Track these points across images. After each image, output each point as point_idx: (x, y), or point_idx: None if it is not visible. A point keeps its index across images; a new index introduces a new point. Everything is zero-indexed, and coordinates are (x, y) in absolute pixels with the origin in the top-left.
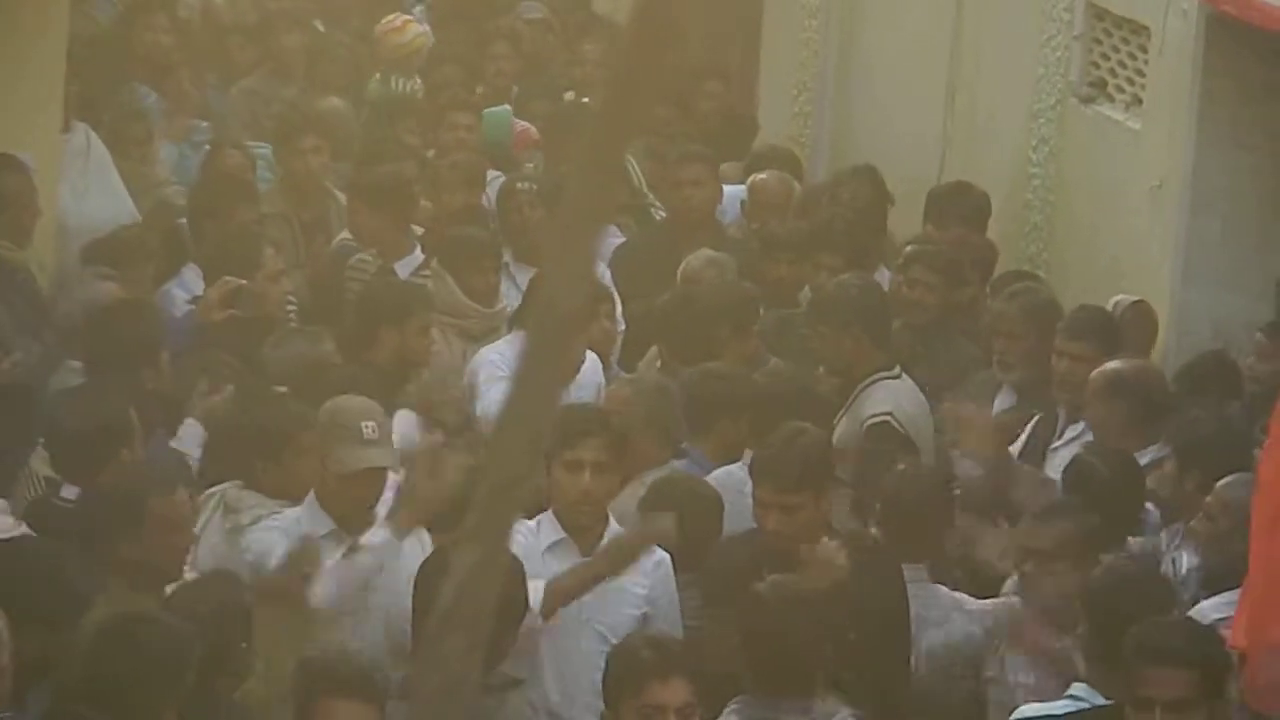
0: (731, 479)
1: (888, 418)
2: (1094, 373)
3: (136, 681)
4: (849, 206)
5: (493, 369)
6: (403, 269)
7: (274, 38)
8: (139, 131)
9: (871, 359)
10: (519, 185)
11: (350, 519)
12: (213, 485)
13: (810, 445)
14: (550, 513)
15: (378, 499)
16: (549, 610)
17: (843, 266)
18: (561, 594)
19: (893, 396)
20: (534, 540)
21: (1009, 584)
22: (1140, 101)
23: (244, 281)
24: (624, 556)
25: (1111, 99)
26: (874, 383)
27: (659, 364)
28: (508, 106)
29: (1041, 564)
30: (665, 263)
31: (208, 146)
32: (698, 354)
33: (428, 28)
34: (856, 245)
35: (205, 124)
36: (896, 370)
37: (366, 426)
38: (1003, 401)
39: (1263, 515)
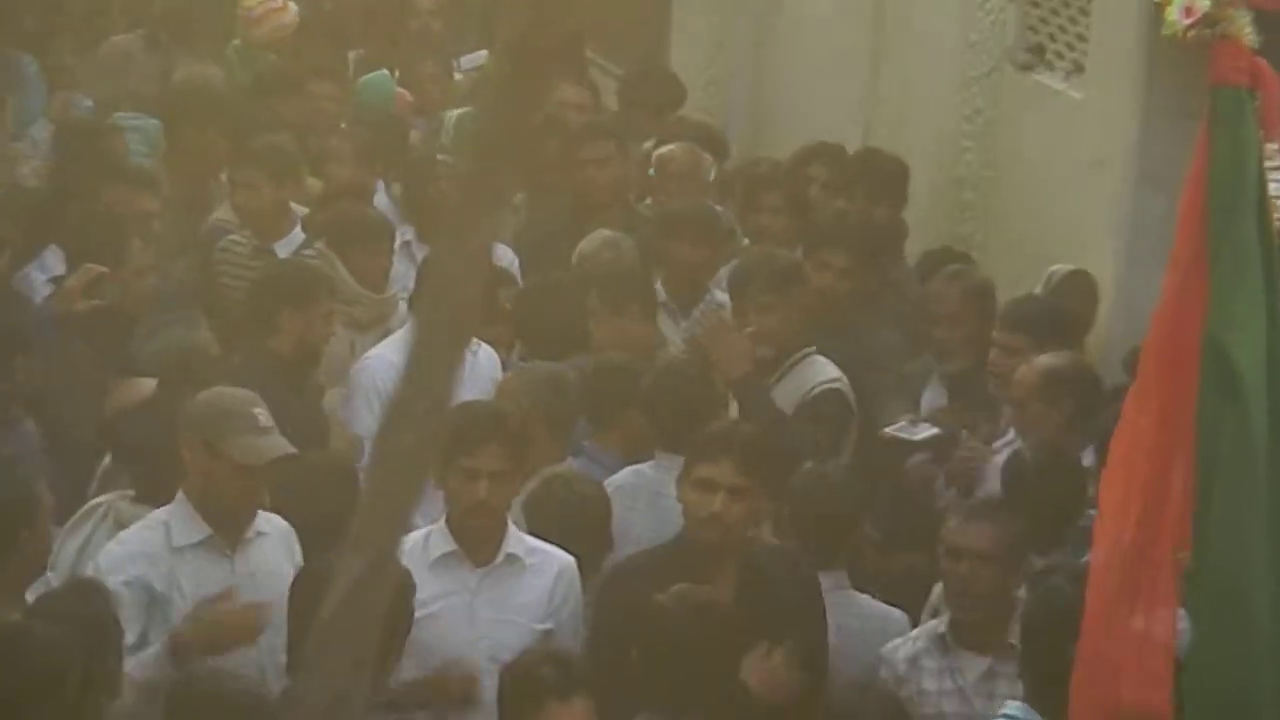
0: (642, 479)
1: (838, 384)
2: (1024, 368)
3: (15, 695)
4: (859, 200)
5: (370, 385)
6: (281, 250)
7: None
8: None
9: (788, 336)
10: (436, 156)
11: (231, 520)
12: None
13: (760, 434)
14: (441, 522)
15: (262, 496)
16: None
17: (851, 268)
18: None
19: (822, 371)
20: (421, 552)
21: (936, 591)
22: (1081, 69)
23: (106, 270)
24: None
25: (1051, 66)
26: (806, 357)
27: (516, 354)
28: (385, 71)
29: (972, 566)
30: (567, 248)
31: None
32: (562, 343)
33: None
34: (868, 243)
35: (89, 102)
36: (812, 349)
37: (259, 414)
38: (931, 397)
39: (1099, 563)
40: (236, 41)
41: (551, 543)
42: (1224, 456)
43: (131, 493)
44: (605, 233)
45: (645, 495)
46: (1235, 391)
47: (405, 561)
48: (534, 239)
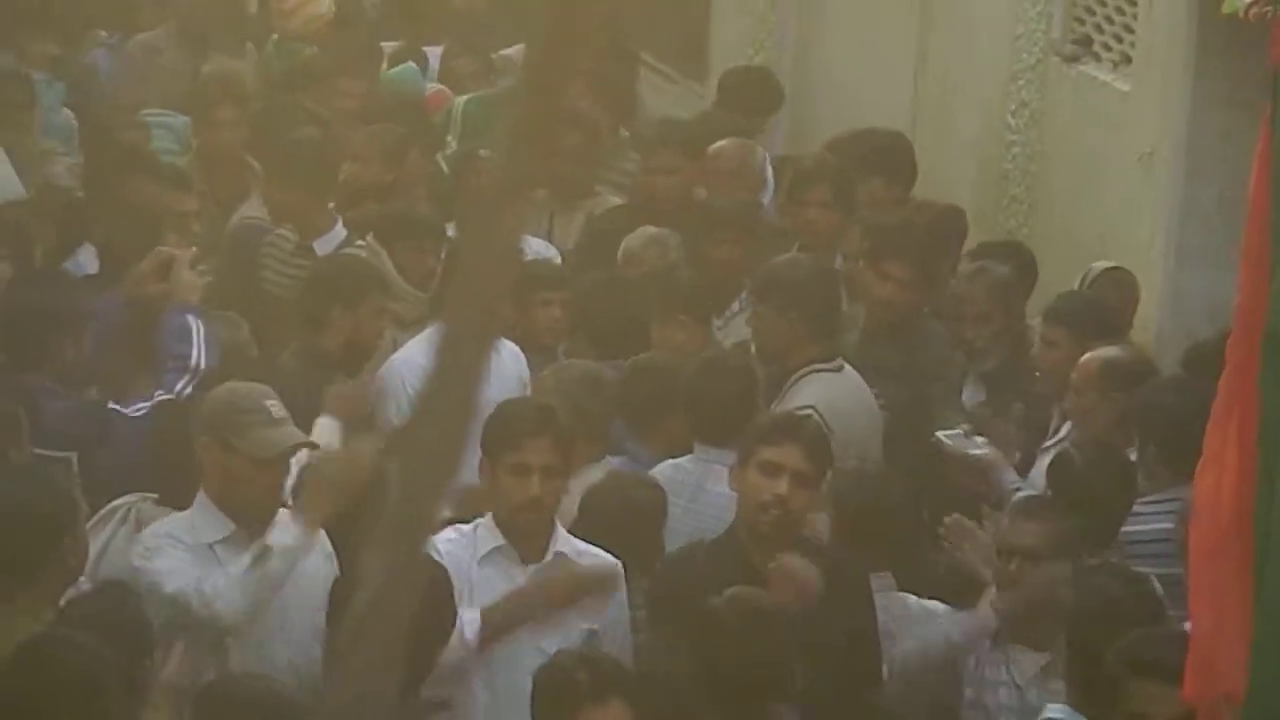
0: (682, 473)
1: (810, 411)
2: (1083, 359)
3: (58, 707)
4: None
5: (397, 388)
6: (322, 247)
7: None
8: (20, 96)
9: (806, 349)
10: (481, 152)
11: (254, 515)
12: None
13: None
14: (489, 518)
15: (283, 489)
16: (487, 640)
17: (914, 279)
18: (502, 622)
19: (824, 390)
20: (469, 548)
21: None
22: (1129, 60)
23: (179, 252)
24: (577, 587)
25: (1098, 58)
26: (807, 374)
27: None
28: (413, 64)
29: (1022, 564)
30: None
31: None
32: (620, 343)
33: None
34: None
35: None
36: (837, 362)
37: (272, 406)
38: (971, 395)
39: (1201, 543)
40: (275, 36)
41: (604, 543)
42: None
43: (154, 495)
44: (651, 230)
45: (687, 489)
46: None
47: (453, 556)
48: (593, 241)
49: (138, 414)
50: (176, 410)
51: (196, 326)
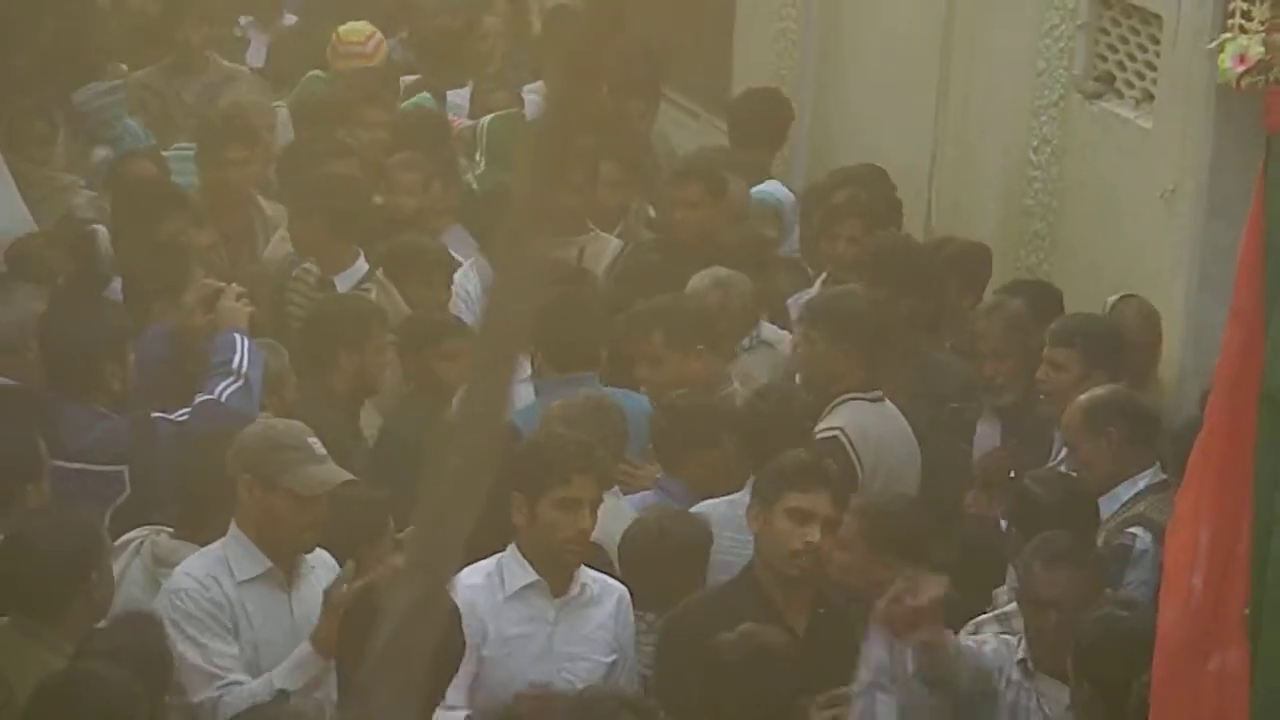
0: (736, 509)
1: (837, 433)
2: (1071, 407)
3: None
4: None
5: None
6: (344, 282)
7: (180, 30)
8: (41, 129)
9: (850, 376)
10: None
11: (289, 554)
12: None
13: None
14: (513, 553)
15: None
16: None
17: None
18: None
19: (856, 415)
20: (493, 584)
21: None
22: (1151, 97)
23: (223, 285)
24: None
25: (1120, 94)
26: (845, 401)
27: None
28: (428, 94)
29: (1058, 614)
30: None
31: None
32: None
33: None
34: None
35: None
36: (876, 393)
37: (313, 443)
38: (985, 432)
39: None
40: (314, 71)
41: (646, 577)
42: None
43: (168, 529)
44: (720, 272)
45: (732, 526)
46: None
47: (478, 591)
48: (628, 276)
49: (182, 418)
50: (199, 438)
51: (242, 339)
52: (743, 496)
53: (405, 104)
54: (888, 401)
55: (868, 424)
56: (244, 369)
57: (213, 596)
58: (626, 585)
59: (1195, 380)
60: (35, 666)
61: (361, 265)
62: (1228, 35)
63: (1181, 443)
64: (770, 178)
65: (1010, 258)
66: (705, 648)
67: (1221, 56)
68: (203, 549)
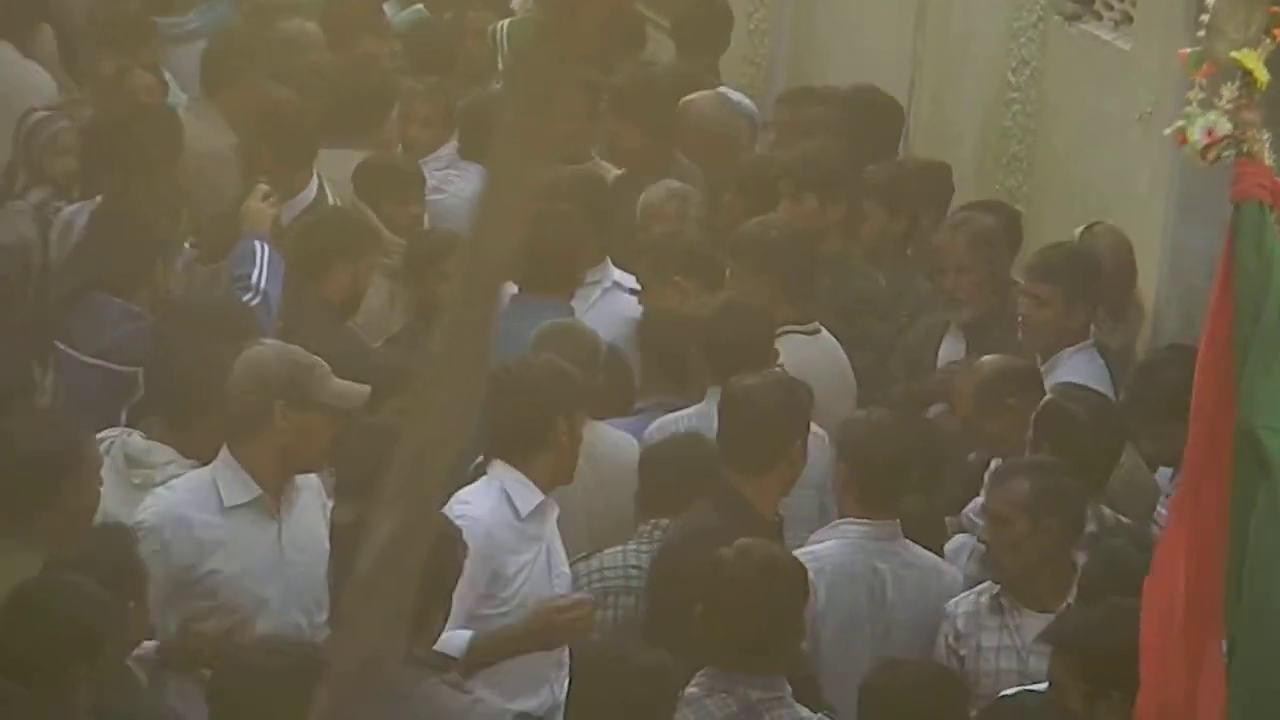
0: (702, 421)
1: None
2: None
3: (46, 650)
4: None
5: None
6: (293, 208)
7: None
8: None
9: (781, 310)
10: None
11: (281, 479)
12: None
13: None
14: (514, 480)
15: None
16: (469, 668)
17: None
18: (488, 655)
19: (794, 351)
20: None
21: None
22: (1130, 19)
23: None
24: (557, 635)
25: (1099, 16)
26: (780, 336)
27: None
28: (419, 6)
29: (1022, 526)
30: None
31: None
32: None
33: None
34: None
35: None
36: (813, 325)
37: (325, 365)
38: (950, 346)
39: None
40: None
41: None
42: (1255, 540)
43: (139, 432)
44: (671, 184)
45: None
46: (1267, 474)
47: (483, 520)
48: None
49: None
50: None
51: (261, 249)
52: (707, 406)
53: (400, 16)
54: (825, 333)
55: (807, 359)
56: (262, 285)
57: (171, 555)
58: (643, 492)
59: (1173, 303)
60: (7, 562)
61: (311, 193)
62: (1191, 110)
63: (1147, 376)
64: (721, 84)
65: (989, 180)
66: (706, 563)
67: (1190, 130)
68: (188, 475)
